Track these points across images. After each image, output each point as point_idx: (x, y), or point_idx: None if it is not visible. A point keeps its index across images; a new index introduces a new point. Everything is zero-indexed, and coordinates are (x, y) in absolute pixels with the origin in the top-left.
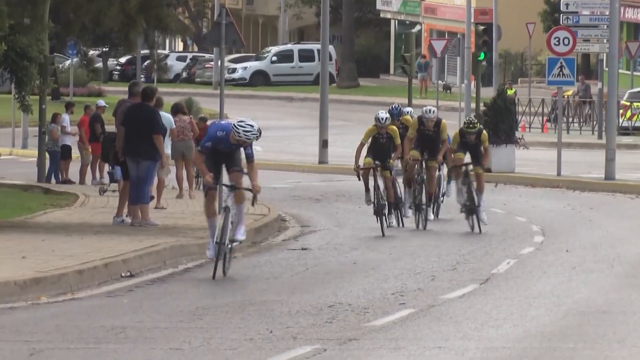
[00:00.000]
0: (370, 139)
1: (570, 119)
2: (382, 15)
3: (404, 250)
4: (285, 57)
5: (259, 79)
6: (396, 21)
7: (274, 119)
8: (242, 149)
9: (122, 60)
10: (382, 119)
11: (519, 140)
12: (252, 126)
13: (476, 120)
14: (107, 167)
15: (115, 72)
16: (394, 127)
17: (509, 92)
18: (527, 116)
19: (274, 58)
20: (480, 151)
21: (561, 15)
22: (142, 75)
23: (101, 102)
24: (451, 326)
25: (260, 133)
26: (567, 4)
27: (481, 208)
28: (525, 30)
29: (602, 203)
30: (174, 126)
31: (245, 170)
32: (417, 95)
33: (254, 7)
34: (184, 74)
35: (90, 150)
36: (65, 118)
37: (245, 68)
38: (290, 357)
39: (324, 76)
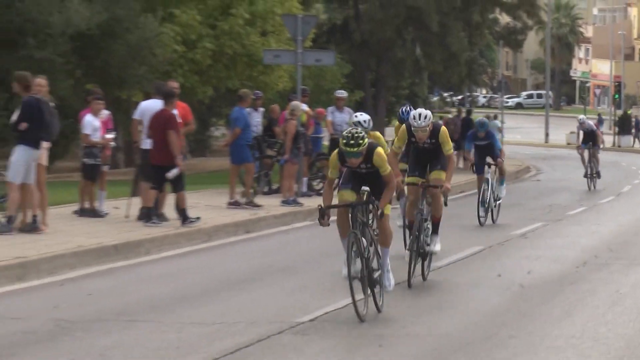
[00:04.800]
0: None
1: None
2: (573, 78)
3: (546, 188)
4: (529, 96)
5: (519, 105)
6: (579, 80)
7: (524, 123)
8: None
9: (459, 97)
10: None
11: (632, 132)
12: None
13: (360, 135)
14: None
15: (455, 102)
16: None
17: (628, 111)
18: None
19: (525, 96)
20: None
21: None
22: (467, 104)
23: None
24: (575, 226)
25: None
26: None
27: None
28: (637, 85)
29: None
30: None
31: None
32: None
33: (515, 73)
34: (486, 103)
35: None
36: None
37: (512, 100)
38: (512, 236)
39: (547, 104)
